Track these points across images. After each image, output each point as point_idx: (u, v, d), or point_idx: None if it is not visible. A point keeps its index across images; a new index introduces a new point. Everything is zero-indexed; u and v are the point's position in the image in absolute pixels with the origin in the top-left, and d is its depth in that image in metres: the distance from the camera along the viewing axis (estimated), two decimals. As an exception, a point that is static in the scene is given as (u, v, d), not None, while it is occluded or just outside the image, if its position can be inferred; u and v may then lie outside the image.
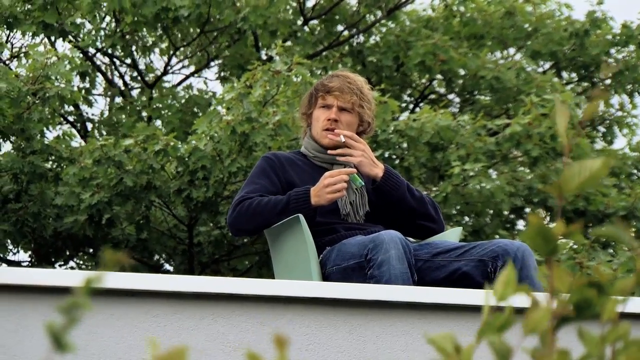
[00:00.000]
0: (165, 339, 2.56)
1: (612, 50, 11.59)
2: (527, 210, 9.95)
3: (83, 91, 10.83)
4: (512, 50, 12.10)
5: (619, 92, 11.62)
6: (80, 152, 8.27)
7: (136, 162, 7.94)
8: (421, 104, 12.18)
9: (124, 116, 11.08)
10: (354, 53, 11.57)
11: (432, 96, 12.46)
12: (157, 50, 11.66)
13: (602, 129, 11.90)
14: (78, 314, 0.90)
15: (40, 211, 8.26)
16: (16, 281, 2.52)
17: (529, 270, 3.27)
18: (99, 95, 11.68)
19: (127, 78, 11.78)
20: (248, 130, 7.68)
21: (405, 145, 8.95)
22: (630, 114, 11.84)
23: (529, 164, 9.42)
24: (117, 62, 11.53)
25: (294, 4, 11.26)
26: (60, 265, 9.60)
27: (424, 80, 12.20)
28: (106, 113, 11.51)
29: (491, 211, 9.68)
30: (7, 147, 8.60)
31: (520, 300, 1.10)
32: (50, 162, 8.47)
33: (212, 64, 11.76)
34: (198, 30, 10.69)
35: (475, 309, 2.78)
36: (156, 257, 10.13)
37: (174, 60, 11.65)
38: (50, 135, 8.91)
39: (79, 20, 9.55)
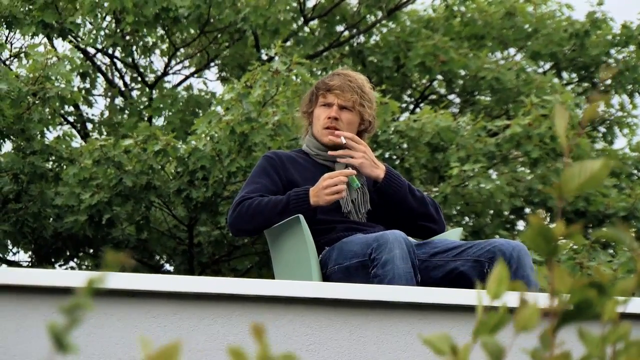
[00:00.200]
0: (165, 339, 2.56)
1: (612, 51, 11.60)
2: (527, 210, 9.94)
3: (83, 91, 10.83)
4: (512, 51, 12.11)
5: (619, 92, 11.63)
6: (80, 153, 8.28)
7: (136, 163, 7.94)
8: (421, 105, 12.18)
9: (125, 116, 11.08)
10: (354, 53, 11.57)
11: (433, 97, 12.46)
12: (157, 51, 11.67)
13: (602, 129, 11.90)
14: (80, 315, 0.90)
15: (41, 211, 8.27)
16: (16, 281, 2.52)
17: (525, 270, 3.27)
18: (99, 95, 11.69)
19: (127, 78, 11.79)
20: (247, 131, 7.68)
21: (405, 145, 8.96)
22: (631, 114, 11.84)
23: (529, 165, 9.41)
24: (118, 63, 11.53)
25: (294, 4, 11.26)
26: (60, 266, 9.60)
27: (424, 81, 12.20)
28: (106, 113, 11.51)
29: (491, 211, 9.68)
30: (8, 147, 8.61)
31: (515, 299, 1.10)
32: (51, 163, 8.47)
33: (212, 64, 11.77)
34: (198, 30, 10.69)
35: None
36: (156, 257, 10.13)
37: (174, 60, 11.65)
38: (51, 135, 8.92)
39: (79, 20, 9.55)
